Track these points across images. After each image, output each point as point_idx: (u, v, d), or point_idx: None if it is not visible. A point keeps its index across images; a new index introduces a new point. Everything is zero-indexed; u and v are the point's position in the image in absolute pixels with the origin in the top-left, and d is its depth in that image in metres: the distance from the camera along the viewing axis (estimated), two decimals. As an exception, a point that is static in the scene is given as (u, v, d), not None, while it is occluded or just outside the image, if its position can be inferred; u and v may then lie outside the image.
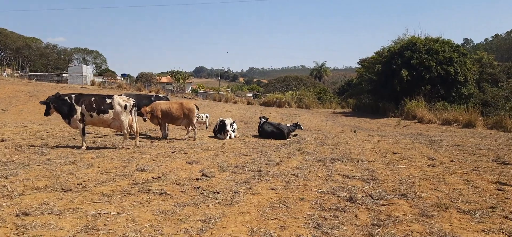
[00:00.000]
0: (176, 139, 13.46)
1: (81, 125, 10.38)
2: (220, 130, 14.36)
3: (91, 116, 10.39)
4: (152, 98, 14.76)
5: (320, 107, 48.33)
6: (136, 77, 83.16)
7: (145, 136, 14.04)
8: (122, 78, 76.97)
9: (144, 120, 13.33)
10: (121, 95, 14.05)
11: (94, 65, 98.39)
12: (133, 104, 10.76)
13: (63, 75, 66.02)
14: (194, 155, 9.58)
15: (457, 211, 5.45)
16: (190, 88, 70.48)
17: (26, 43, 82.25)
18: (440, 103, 34.15)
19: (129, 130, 10.67)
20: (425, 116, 31.86)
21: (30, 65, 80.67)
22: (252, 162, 8.88)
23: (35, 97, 32.06)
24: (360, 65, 52.56)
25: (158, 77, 79.17)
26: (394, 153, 10.83)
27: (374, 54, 43.33)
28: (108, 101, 10.49)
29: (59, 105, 10.40)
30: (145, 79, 73.61)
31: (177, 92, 55.83)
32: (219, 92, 58.45)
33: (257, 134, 15.97)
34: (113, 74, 76.89)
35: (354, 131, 24.23)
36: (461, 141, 14.74)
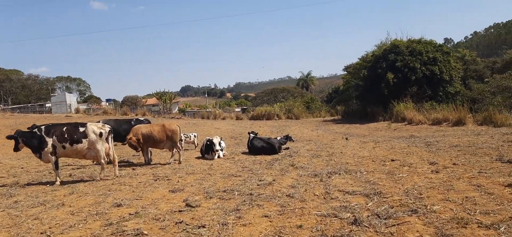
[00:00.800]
0: (160, 164, 12.57)
1: (54, 158, 9.45)
2: (207, 150, 13.55)
3: (64, 147, 9.46)
4: (132, 123, 13.88)
5: (309, 116, 47.79)
6: (121, 101, 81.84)
7: (127, 164, 13.12)
8: (107, 104, 75.63)
9: (138, 150, 12.54)
10: (99, 121, 13.23)
11: (78, 93, 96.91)
12: (109, 130, 9.84)
13: (47, 105, 64.53)
14: (178, 182, 8.72)
15: (479, 226, 4.71)
16: (177, 107, 69.51)
17: (6, 75, 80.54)
18: (428, 103, 33.88)
19: (106, 159, 9.75)
20: (414, 118, 31.48)
21: (12, 98, 78.93)
22: (242, 184, 8.07)
23: (16, 130, 30.78)
24: (345, 72, 52.30)
25: (143, 100, 78.03)
26: (392, 160, 10.13)
27: (358, 60, 43.06)
28: (82, 129, 9.56)
29: (28, 139, 9.45)
30: (130, 102, 72.42)
31: (164, 113, 54.92)
32: (207, 110, 57.58)
33: (247, 150, 15.21)
34: (97, 100, 75.58)
35: (346, 138, 23.71)
36: (457, 141, 14.14)
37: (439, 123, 28.76)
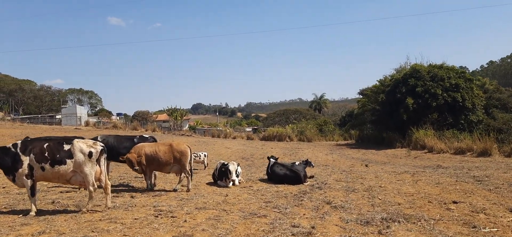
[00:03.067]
0: (165, 190, 10.44)
1: (29, 182, 7.43)
2: (221, 176, 11.46)
3: (43, 168, 7.45)
4: (135, 140, 11.83)
5: (322, 139, 45.51)
6: (132, 115, 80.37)
7: (126, 188, 11.03)
8: (117, 118, 74.16)
9: (136, 170, 10.35)
10: (97, 137, 11.21)
11: (89, 105, 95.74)
12: (101, 150, 7.76)
13: (57, 116, 63.19)
14: (185, 222, 6.62)
15: None
16: (187, 125, 67.75)
17: (19, 85, 79.72)
18: (449, 131, 31.64)
19: (95, 186, 7.63)
20: (435, 146, 29.32)
21: (24, 108, 77.89)
22: (271, 231, 5.99)
23: (19, 141, 29.09)
24: (360, 95, 50.13)
25: (154, 115, 76.47)
26: (454, 202, 7.96)
27: (376, 83, 40.87)
28: (66, 147, 7.52)
29: (-1, 157, 7.44)
30: (141, 117, 70.90)
31: (175, 130, 53.22)
32: (218, 128, 55.66)
33: (265, 176, 13.10)
34: (108, 114, 74.10)
35: (366, 165, 21.73)
36: (506, 176, 11.93)
37: (462, 153, 26.76)
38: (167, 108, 60.61)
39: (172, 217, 6.89)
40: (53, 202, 8.43)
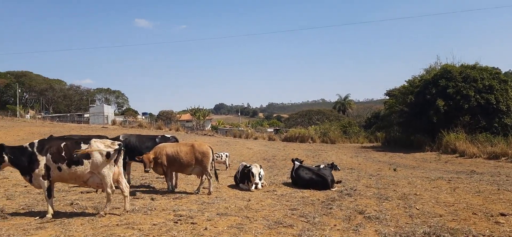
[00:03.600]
0: (186, 193, 9.98)
1: (46, 183, 7.08)
2: (243, 178, 10.93)
3: (60, 169, 7.01)
4: (157, 140, 11.39)
5: (346, 141, 44.48)
6: (157, 115, 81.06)
7: (146, 189, 10.65)
8: (143, 117, 74.94)
9: (146, 171, 9.96)
10: (119, 136, 10.91)
11: (116, 105, 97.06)
12: (118, 149, 7.31)
13: (85, 115, 64.36)
14: (206, 229, 6.11)
15: None
16: (210, 125, 67.77)
17: (50, 85, 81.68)
18: (482, 134, 30.25)
19: (113, 188, 7.24)
20: (467, 150, 28.05)
21: (54, 107, 79.71)
22: (300, 244, 5.41)
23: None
24: (387, 97, 48.79)
25: (178, 115, 76.90)
26: (503, 215, 7.20)
27: (405, 84, 39.57)
28: (84, 147, 7.14)
29: (15, 156, 7.11)
30: (165, 117, 71.37)
31: (197, 129, 53.25)
32: (239, 128, 55.30)
33: (289, 180, 12.52)
34: (134, 113, 74.94)
35: (394, 169, 20.81)
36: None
37: (496, 158, 25.51)
38: (190, 108, 60.87)
39: (192, 223, 6.38)
40: (71, 204, 8.08)
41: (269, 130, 61.56)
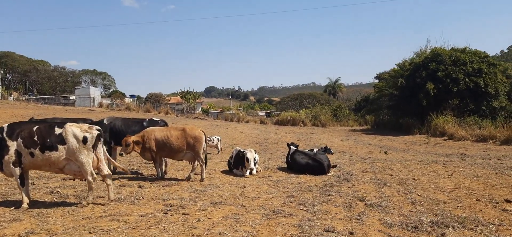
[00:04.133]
0: (177, 179, 9.47)
1: (18, 170, 6.47)
2: (237, 164, 10.45)
3: (32, 154, 6.44)
4: (145, 124, 10.61)
5: (336, 124, 44.26)
6: (145, 98, 79.72)
7: (134, 176, 10.08)
8: (130, 99, 73.70)
9: (120, 154, 9.40)
10: (103, 119, 10.30)
11: (102, 87, 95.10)
12: (97, 135, 6.68)
13: (71, 97, 62.95)
14: (199, 220, 5.63)
15: None
16: (200, 108, 66.91)
17: (33, 66, 79.44)
18: (471, 117, 30.31)
19: (94, 175, 6.65)
20: (456, 133, 28.13)
21: (38, 88, 77.81)
22: (301, 235, 4.94)
23: (31, 121, 28.58)
24: (377, 80, 48.56)
25: (167, 98, 75.68)
26: (508, 201, 6.86)
27: (395, 67, 39.28)
28: (58, 131, 6.50)
29: (-16, 142, 6.49)
30: (154, 99, 70.17)
31: (187, 113, 52.46)
32: (231, 112, 54.70)
33: (284, 164, 12.10)
34: (121, 96, 73.62)
35: (385, 152, 20.61)
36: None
37: (484, 141, 25.63)
38: (180, 91, 59.85)
39: (183, 214, 5.89)
40: (52, 192, 7.49)
41: (260, 113, 61.09)
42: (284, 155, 19.61)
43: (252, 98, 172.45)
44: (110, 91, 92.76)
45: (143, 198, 7.05)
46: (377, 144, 26.69)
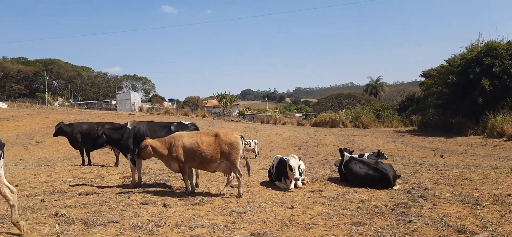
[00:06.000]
0: (209, 194, 7.73)
1: None
2: (279, 174, 8.64)
3: None
4: (172, 128, 9.00)
5: (379, 125, 41.49)
6: (183, 101, 79.57)
7: (160, 189, 8.52)
8: (169, 103, 73.68)
9: (133, 159, 7.81)
10: (127, 123, 8.88)
11: (142, 91, 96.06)
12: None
13: (112, 102, 63.54)
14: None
15: None
16: (236, 110, 65.72)
17: (78, 72, 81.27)
18: (533, 117, 27.08)
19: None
20: (517, 134, 25.03)
21: (82, 94, 79.44)
22: None
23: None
24: (422, 78, 45.35)
25: (204, 101, 75.15)
26: None
27: (444, 63, 36.18)
28: None
29: None
30: (192, 103, 69.83)
31: (224, 115, 51.41)
32: (267, 114, 52.98)
33: (332, 174, 10.22)
34: (160, 100, 73.70)
35: (441, 156, 18.36)
36: None
37: (550, 143, 22.56)
38: (216, 94, 58.94)
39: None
40: (56, 215, 5.84)
41: (297, 115, 58.99)
42: (326, 159, 17.75)
43: (288, 99, 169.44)
44: (150, 95, 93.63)
45: (165, 224, 5.40)
46: (428, 147, 24.27)
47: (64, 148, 20.53)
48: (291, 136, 30.84)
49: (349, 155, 9.16)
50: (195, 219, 5.71)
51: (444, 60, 36.01)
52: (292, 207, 6.43)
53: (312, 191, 7.96)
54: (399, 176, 8.81)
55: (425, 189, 7.85)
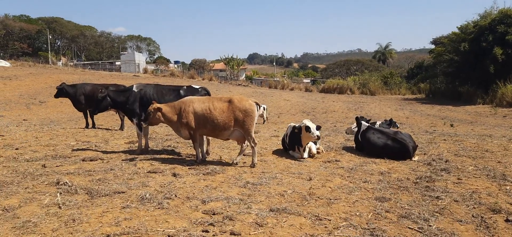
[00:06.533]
0: (221, 163, 7.31)
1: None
2: (293, 143, 8.17)
3: None
4: (181, 92, 8.36)
5: (387, 93, 40.85)
6: (189, 64, 78.44)
7: (168, 156, 8.12)
8: (175, 66, 72.68)
9: (140, 124, 7.26)
10: (132, 86, 8.39)
11: (147, 53, 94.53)
12: None
13: (117, 63, 62.64)
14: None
15: None
16: (244, 75, 64.72)
17: (81, 31, 79.68)
18: (545, 86, 26.42)
19: None
20: (527, 103, 24.60)
21: (86, 54, 78.35)
22: None
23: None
24: (432, 45, 44.19)
25: (211, 64, 73.97)
26: None
27: (455, 30, 35.01)
28: None
29: None
30: (198, 66, 68.76)
31: (231, 79, 50.62)
32: (275, 79, 52.12)
33: (348, 142, 9.78)
34: (166, 62, 72.66)
35: (451, 125, 17.96)
36: None
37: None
38: (224, 57, 57.87)
39: (232, 235, 3.82)
40: (57, 183, 5.36)
41: (305, 80, 58.17)
42: (335, 126, 17.30)
43: (295, 65, 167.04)
44: (155, 57, 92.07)
45: (176, 196, 4.99)
46: (437, 115, 23.78)
47: (68, 109, 20.15)
48: (299, 102, 30.34)
49: (367, 124, 8.65)
50: (208, 191, 5.29)
51: (457, 27, 34.83)
52: (310, 179, 6.00)
53: (328, 161, 7.53)
54: (417, 146, 8.36)
55: (446, 162, 7.40)
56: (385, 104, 31.24)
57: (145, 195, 4.89)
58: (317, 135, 7.49)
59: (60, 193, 5.00)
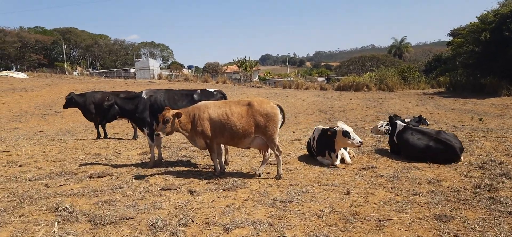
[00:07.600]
0: (242, 175, 6.43)
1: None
2: (322, 147, 7.30)
3: None
4: (195, 96, 7.50)
5: (405, 88, 39.45)
6: (203, 68, 78.08)
7: (184, 168, 7.31)
8: (189, 70, 72.33)
9: (156, 134, 6.27)
10: (141, 92, 7.61)
11: (161, 59, 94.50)
12: None
13: (131, 70, 62.54)
14: None
15: None
16: (257, 76, 64.02)
17: (95, 40, 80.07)
18: None
19: None
20: (556, 94, 23.18)
21: (100, 62, 78.67)
22: None
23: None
24: (450, 37, 42.59)
25: (224, 67, 73.52)
26: None
27: (475, 20, 33.52)
28: None
29: None
30: (211, 69, 68.44)
31: (245, 81, 49.93)
32: (289, 79, 51.15)
33: (379, 144, 8.84)
34: (179, 67, 72.34)
35: (480, 119, 16.88)
36: None
37: None
38: (236, 59, 57.31)
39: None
40: (57, 209, 4.62)
41: (319, 79, 57.02)
42: (356, 125, 16.28)
43: (308, 64, 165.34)
44: (169, 63, 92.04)
45: (192, 221, 4.15)
46: (462, 109, 22.53)
47: (84, 118, 19.66)
48: (315, 100, 29.36)
49: (403, 124, 7.66)
50: (230, 213, 4.42)
51: (476, 17, 33.33)
52: (348, 193, 5.08)
53: (363, 168, 6.58)
54: (463, 147, 7.36)
55: (500, 164, 6.41)
56: (405, 99, 30.02)
57: (156, 222, 4.06)
58: (359, 141, 6.58)
59: (58, 222, 4.21)
